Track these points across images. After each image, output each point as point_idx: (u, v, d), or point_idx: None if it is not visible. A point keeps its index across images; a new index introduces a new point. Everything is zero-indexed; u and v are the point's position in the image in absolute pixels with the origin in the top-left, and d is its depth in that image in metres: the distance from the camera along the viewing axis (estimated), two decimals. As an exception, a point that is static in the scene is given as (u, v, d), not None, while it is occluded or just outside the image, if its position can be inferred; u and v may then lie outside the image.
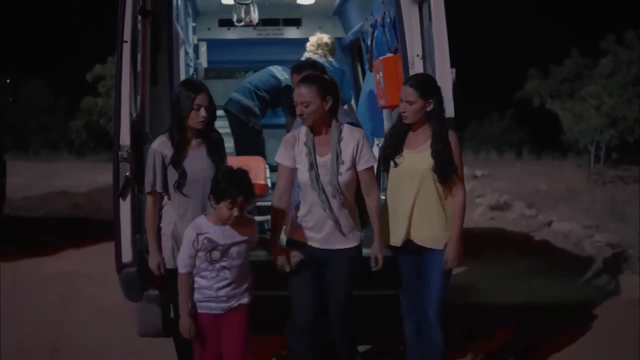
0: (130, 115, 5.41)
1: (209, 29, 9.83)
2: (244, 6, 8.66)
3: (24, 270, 9.87)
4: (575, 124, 24.78)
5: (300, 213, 5.12)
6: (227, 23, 9.54)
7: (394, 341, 6.32)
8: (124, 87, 5.39)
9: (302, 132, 5.05)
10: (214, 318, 4.89)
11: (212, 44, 9.51)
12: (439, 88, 5.27)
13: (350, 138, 4.99)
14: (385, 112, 7.24)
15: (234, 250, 4.81)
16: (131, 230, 5.49)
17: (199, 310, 4.88)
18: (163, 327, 6.75)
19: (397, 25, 6.33)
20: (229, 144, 7.24)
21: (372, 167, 5.05)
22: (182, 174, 5.02)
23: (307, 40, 8.62)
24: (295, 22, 9.97)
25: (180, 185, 5.02)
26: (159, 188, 5.06)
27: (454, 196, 5.23)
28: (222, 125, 7.38)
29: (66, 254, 11.25)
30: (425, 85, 5.22)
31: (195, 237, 4.77)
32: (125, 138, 5.36)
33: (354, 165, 4.97)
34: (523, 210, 15.82)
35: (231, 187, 4.67)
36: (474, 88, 30.03)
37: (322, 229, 5.07)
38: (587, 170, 23.69)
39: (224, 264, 4.80)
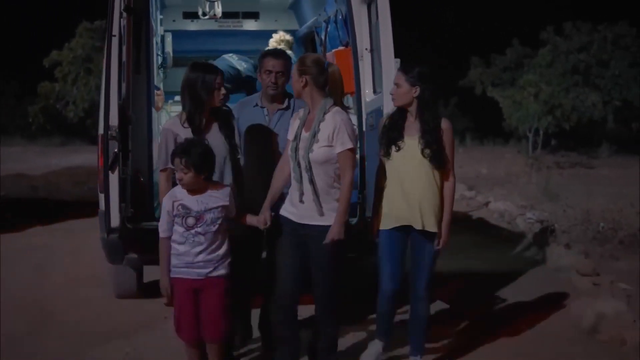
0: (118, 99, 6.04)
1: (173, 20, 10.31)
2: (209, 2, 9.23)
3: (-4, 245, 10.13)
4: (514, 111, 25.34)
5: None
6: (190, 15, 10.08)
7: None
8: (112, 76, 6.01)
9: (304, 109, 5.44)
10: (192, 282, 5.04)
11: (177, 35, 9.98)
12: (429, 79, 5.43)
13: (331, 120, 5.16)
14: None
15: (208, 216, 5.00)
16: (118, 199, 6.10)
17: (178, 276, 5.06)
18: (138, 289, 7.44)
19: (348, 22, 6.88)
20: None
21: (348, 150, 5.16)
22: None
23: (264, 32, 9.22)
24: (254, 15, 10.46)
25: None
26: (172, 165, 5.17)
27: (445, 182, 5.50)
28: None
29: (33, 230, 11.57)
30: (414, 72, 5.41)
31: (171, 204, 5.00)
32: (114, 119, 5.99)
33: (329, 146, 5.14)
34: (463, 192, 16.32)
35: (174, 152, 4.97)
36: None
37: (294, 201, 5.31)
38: (526, 156, 24.44)
39: (199, 229, 4.99)
